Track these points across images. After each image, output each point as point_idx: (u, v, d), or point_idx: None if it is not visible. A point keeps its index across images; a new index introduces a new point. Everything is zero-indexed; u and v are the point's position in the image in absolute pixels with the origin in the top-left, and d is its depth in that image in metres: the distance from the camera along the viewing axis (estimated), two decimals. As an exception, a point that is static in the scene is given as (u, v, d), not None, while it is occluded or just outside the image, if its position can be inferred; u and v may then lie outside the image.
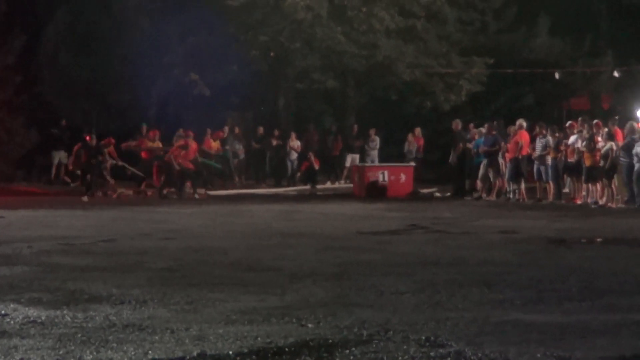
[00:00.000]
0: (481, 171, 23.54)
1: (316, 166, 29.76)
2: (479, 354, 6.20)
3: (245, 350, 6.33)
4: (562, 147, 22.03)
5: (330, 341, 6.61)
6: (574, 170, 21.70)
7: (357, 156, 30.64)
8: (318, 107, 37.46)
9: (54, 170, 29.01)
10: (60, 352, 6.31)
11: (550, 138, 22.30)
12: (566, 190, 22.94)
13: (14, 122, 29.19)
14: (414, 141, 31.04)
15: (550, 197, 22.18)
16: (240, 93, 34.01)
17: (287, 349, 6.37)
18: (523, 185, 22.91)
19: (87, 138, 24.69)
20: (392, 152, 31.61)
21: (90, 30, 31.42)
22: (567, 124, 23.44)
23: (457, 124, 25.32)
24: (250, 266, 10.70)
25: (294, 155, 30.40)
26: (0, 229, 15.34)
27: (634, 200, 19.92)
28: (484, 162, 23.43)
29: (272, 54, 32.25)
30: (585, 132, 21.48)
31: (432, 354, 6.25)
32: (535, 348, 6.37)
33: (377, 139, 30.75)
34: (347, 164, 30.81)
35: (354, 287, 9.07)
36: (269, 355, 6.24)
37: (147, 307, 7.99)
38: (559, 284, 9.32)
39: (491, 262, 11.12)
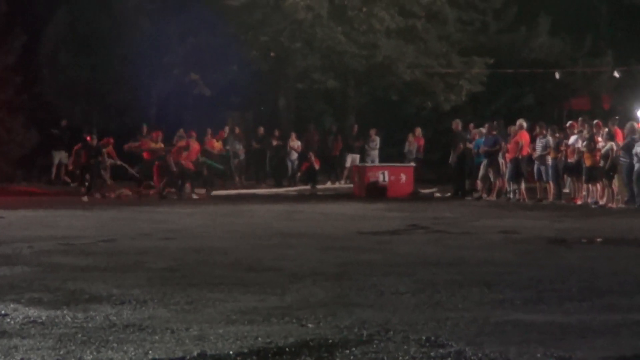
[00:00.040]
0: (481, 171, 23.54)
1: (316, 166, 29.77)
2: (479, 354, 6.20)
3: (246, 350, 6.33)
4: (563, 147, 22.03)
5: (330, 341, 6.61)
6: (574, 170, 21.70)
7: (357, 156, 30.65)
8: (318, 107, 37.48)
9: (54, 170, 29.00)
10: (61, 352, 6.31)
11: (550, 138, 22.30)
12: (566, 190, 22.95)
13: (14, 122, 29.18)
14: (414, 141, 31.05)
15: (551, 197, 22.18)
16: (241, 93, 34.01)
17: (287, 349, 6.37)
18: (523, 186, 22.90)
19: (88, 138, 24.69)
20: (392, 152, 31.61)
21: (90, 30, 31.42)
22: (568, 124, 23.44)
23: (457, 124, 25.32)
24: (250, 266, 10.69)
25: (294, 156, 30.40)
26: (0, 229, 15.33)
27: (634, 201, 19.92)
28: (484, 162, 23.43)
29: (272, 54, 32.25)
30: (585, 132, 21.49)
31: (432, 354, 6.25)
32: (535, 348, 6.37)
33: (378, 139, 30.76)
34: (348, 164, 30.81)
35: (354, 287, 9.07)
36: (270, 355, 6.24)
37: (147, 307, 7.99)
38: (559, 284, 9.32)
39: (491, 262, 11.12)
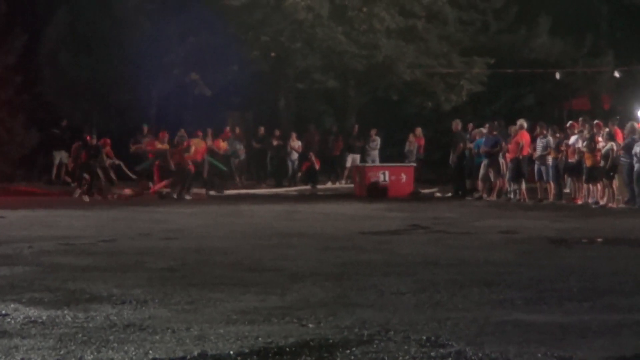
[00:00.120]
0: (482, 171, 23.54)
1: (317, 166, 29.77)
2: (480, 354, 6.20)
3: (246, 350, 6.33)
4: (563, 148, 22.02)
5: (330, 341, 6.61)
6: (575, 170, 21.69)
7: (357, 156, 30.65)
8: (319, 107, 37.50)
9: (54, 170, 29.00)
10: (61, 352, 6.31)
11: (551, 138, 22.30)
12: (567, 190, 22.94)
13: (15, 122, 29.18)
14: (415, 141, 31.06)
15: (551, 198, 22.18)
16: (241, 93, 34.01)
17: (287, 349, 6.37)
18: (524, 186, 22.89)
19: (87, 138, 24.67)
20: (392, 152, 31.63)
21: (90, 30, 31.42)
22: (568, 124, 23.43)
23: (457, 124, 25.32)
24: (250, 266, 10.69)
25: (295, 156, 30.40)
26: (0, 228, 15.34)
27: (634, 201, 19.91)
28: (485, 162, 23.43)
29: (272, 54, 32.26)
30: (585, 132, 21.48)
31: (432, 354, 6.25)
32: (535, 348, 6.37)
33: (378, 139, 30.76)
34: (348, 164, 30.81)
35: (355, 287, 9.07)
36: (270, 355, 6.24)
37: (147, 307, 7.99)
38: (559, 284, 9.32)
39: (492, 262, 11.12)
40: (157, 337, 6.76)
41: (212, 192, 25.18)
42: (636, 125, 20.60)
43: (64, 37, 31.71)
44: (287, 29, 30.74)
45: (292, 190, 28.27)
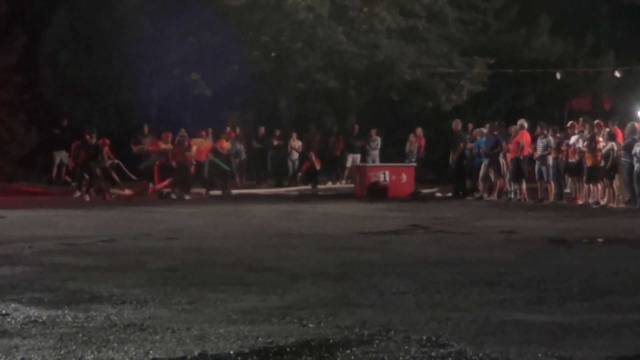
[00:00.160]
0: (482, 171, 23.55)
1: (317, 166, 29.77)
2: (480, 354, 6.20)
3: (247, 350, 6.33)
4: (564, 148, 22.02)
5: (331, 341, 6.61)
6: (575, 170, 21.69)
7: (358, 156, 30.66)
8: (319, 107, 37.51)
9: (55, 170, 29.01)
10: (62, 352, 6.31)
11: (551, 138, 22.31)
12: (567, 190, 22.94)
13: (15, 122, 29.19)
14: (415, 141, 31.07)
15: (552, 198, 22.18)
16: (241, 93, 34.01)
17: (288, 349, 6.37)
18: (524, 186, 22.90)
19: (87, 137, 24.66)
20: (393, 152, 31.64)
21: (90, 30, 31.43)
22: (568, 124, 23.44)
23: (457, 124, 25.33)
24: (251, 266, 10.69)
25: (295, 155, 30.42)
26: (1, 228, 15.33)
27: (634, 201, 19.91)
28: (485, 162, 23.44)
29: (273, 54, 32.27)
30: (586, 132, 21.49)
31: (433, 354, 6.25)
32: (536, 348, 6.37)
33: (378, 139, 30.77)
34: (348, 164, 30.82)
35: (355, 287, 9.07)
36: (270, 355, 6.24)
37: (148, 307, 7.99)
38: (560, 284, 9.31)
39: (492, 262, 11.11)
40: (158, 337, 6.75)
41: (216, 192, 25.14)
42: (637, 125, 20.59)
43: (64, 37, 31.73)
44: (288, 29, 30.75)
45: (292, 190, 28.27)
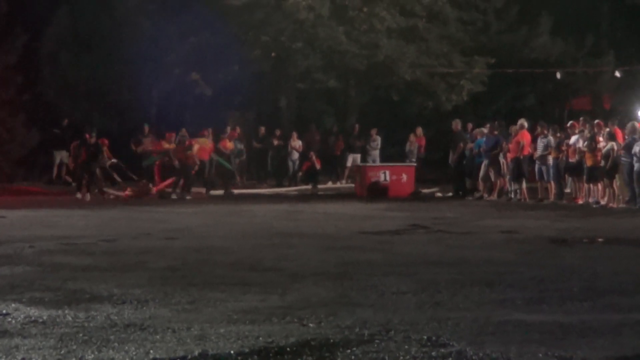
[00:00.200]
0: (482, 171, 23.55)
1: (317, 166, 29.76)
2: (481, 354, 6.20)
3: (247, 350, 6.33)
4: (564, 147, 22.02)
5: (331, 341, 6.61)
6: (576, 170, 21.69)
7: (358, 156, 30.65)
8: (319, 107, 37.50)
9: (55, 170, 29.00)
10: (62, 352, 6.31)
11: (551, 138, 22.30)
12: (567, 190, 22.93)
13: (15, 122, 29.20)
14: (416, 141, 31.07)
15: (552, 197, 22.17)
16: (242, 93, 34.01)
17: (288, 349, 6.37)
18: (524, 185, 22.90)
19: (87, 136, 24.65)
20: (393, 152, 31.63)
21: (90, 30, 31.44)
22: (569, 124, 23.42)
23: (457, 124, 25.33)
24: (251, 266, 10.69)
25: (296, 155, 30.41)
26: (1, 228, 15.33)
27: (635, 201, 19.90)
28: (485, 162, 23.44)
29: (273, 54, 32.26)
30: (586, 132, 21.48)
31: (433, 353, 6.25)
32: (536, 348, 6.37)
33: (379, 139, 30.77)
34: (349, 163, 30.82)
35: (356, 287, 9.07)
36: (271, 354, 6.24)
37: (148, 307, 7.99)
38: (560, 283, 9.31)
39: (492, 261, 11.11)
40: (158, 337, 6.75)
41: (217, 192, 25.16)
42: (637, 124, 20.58)
43: (64, 37, 31.74)
44: (288, 29, 30.75)
45: (292, 190, 28.27)
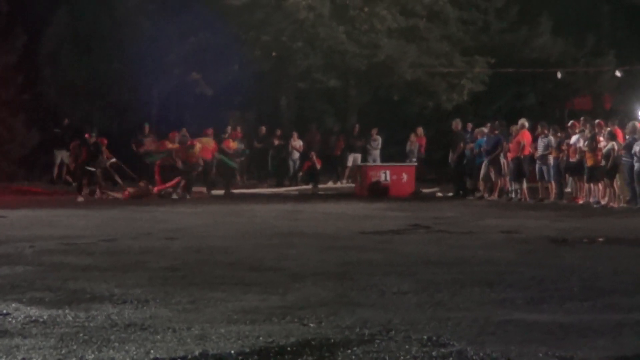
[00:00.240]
0: (483, 171, 23.55)
1: (318, 166, 29.77)
2: (481, 354, 6.20)
3: (247, 350, 6.33)
4: (564, 147, 22.01)
5: (332, 341, 6.61)
6: (576, 170, 21.69)
7: (359, 156, 30.65)
8: (320, 107, 37.48)
9: (56, 170, 29.00)
10: (62, 352, 6.31)
11: (552, 138, 22.30)
12: (568, 190, 22.94)
13: (16, 122, 29.20)
14: (416, 141, 31.07)
15: (552, 197, 22.17)
16: (242, 93, 34.01)
17: (288, 349, 6.37)
18: (525, 185, 22.89)
19: (87, 136, 24.63)
20: (394, 152, 31.62)
21: (90, 30, 31.43)
22: (569, 124, 23.41)
23: (457, 124, 25.33)
24: (252, 266, 10.69)
25: (296, 155, 30.42)
26: (2, 228, 15.33)
27: (635, 200, 19.90)
28: (486, 161, 23.43)
29: (274, 53, 32.24)
30: (587, 131, 21.48)
31: (434, 353, 6.25)
32: (537, 347, 6.37)
33: (379, 139, 30.77)
34: (349, 163, 30.83)
35: (356, 287, 9.07)
36: (271, 354, 6.24)
37: (148, 307, 7.99)
38: (560, 283, 9.31)
39: (493, 261, 11.11)
40: (158, 337, 6.76)
41: (218, 192, 25.18)
42: (637, 124, 20.57)
43: (64, 37, 31.72)
44: (289, 29, 30.73)
45: (293, 189, 28.27)
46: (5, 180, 27.41)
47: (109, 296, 8.48)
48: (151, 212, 19.44)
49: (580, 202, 21.49)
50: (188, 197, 23.80)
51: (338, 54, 31.71)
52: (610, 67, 34.42)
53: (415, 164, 28.40)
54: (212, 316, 7.54)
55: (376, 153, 30.57)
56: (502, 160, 23.24)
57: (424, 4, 31.99)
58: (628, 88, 33.91)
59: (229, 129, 29.97)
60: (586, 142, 21.06)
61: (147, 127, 28.84)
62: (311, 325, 7.16)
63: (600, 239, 13.74)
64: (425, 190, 26.29)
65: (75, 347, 6.44)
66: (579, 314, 7.69)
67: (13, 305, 8.04)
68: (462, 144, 24.66)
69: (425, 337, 6.69)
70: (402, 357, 6.16)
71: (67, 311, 7.74)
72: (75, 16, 31.64)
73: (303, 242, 13.27)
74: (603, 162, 20.50)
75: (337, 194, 26.75)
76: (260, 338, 6.67)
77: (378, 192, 24.97)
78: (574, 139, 21.85)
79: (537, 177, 22.77)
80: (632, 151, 19.76)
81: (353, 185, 27.94)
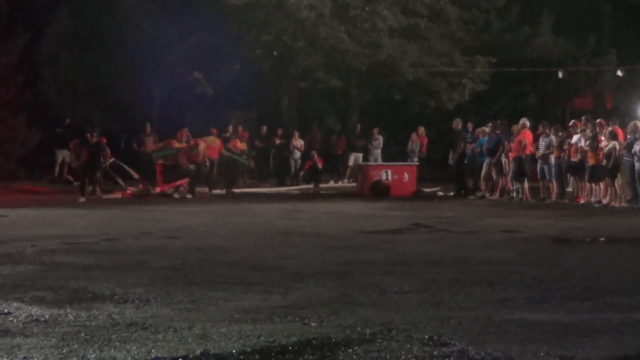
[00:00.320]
0: (484, 170, 23.54)
1: (319, 165, 29.75)
2: (482, 353, 6.20)
3: (249, 349, 6.33)
4: (565, 147, 22.00)
5: (333, 340, 6.61)
6: (577, 169, 21.68)
7: (360, 155, 30.63)
8: (321, 106, 37.47)
9: (57, 169, 29.00)
10: (64, 351, 6.31)
11: (553, 137, 22.30)
12: (569, 189, 22.93)
13: (17, 121, 29.20)
14: (418, 140, 31.05)
15: (554, 197, 22.17)
16: (243, 92, 34.02)
17: (290, 348, 6.37)
18: (526, 185, 22.88)
19: (89, 135, 24.62)
20: (395, 151, 31.61)
21: (91, 30, 31.44)
22: (570, 123, 23.42)
23: (458, 124, 25.32)
24: (253, 265, 10.69)
25: (297, 154, 30.41)
26: (3, 227, 15.33)
27: (637, 200, 19.89)
28: (487, 161, 23.43)
29: (275, 53, 32.23)
30: (588, 131, 21.48)
31: (435, 353, 6.24)
32: (538, 347, 6.37)
33: (381, 138, 30.77)
34: (350, 163, 30.81)
35: (357, 286, 9.07)
36: (272, 354, 6.24)
37: (150, 306, 7.99)
38: (562, 283, 9.31)
39: (494, 261, 11.11)
40: (160, 336, 6.76)
41: (219, 192, 25.22)
42: (638, 124, 20.56)
43: (65, 36, 31.74)
44: (290, 28, 30.72)
45: (294, 189, 28.26)
46: (7, 180, 27.41)
47: (110, 295, 8.48)
48: (152, 211, 19.44)
49: (582, 201, 21.49)
50: (189, 196, 23.79)
51: (339, 54, 31.69)
52: (611, 67, 34.40)
53: (417, 163, 28.37)
54: (213, 315, 7.54)
55: (377, 152, 30.56)
56: (504, 159, 23.23)
57: (425, 3, 31.97)
58: (629, 87, 33.87)
59: (230, 128, 29.98)
60: (587, 142, 21.05)
61: (148, 127, 28.83)
62: (312, 324, 7.16)
63: (602, 239, 13.75)
64: (427, 190, 26.28)
65: (76, 346, 6.45)
66: (580, 313, 7.69)
67: (14, 304, 8.04)
68: (462, 144, 24.65)
69: (426, 337, 6.69)
70: (403, 357, 6.15)
71: (68, 310, 7.74)
72: (75, 16, 31.65)
73: (304, 242, 13.27)
74: (604, 162, 20.49)
75: (339, 193, 26.75)
76: (262, 337, 6.67)
77: (379, 191, 24.95)
78: (575, 138, 21.84)
79: (539, 176, 22.77)
80: (632, 151, 19.75)
81: (354, 184, 27.93)
